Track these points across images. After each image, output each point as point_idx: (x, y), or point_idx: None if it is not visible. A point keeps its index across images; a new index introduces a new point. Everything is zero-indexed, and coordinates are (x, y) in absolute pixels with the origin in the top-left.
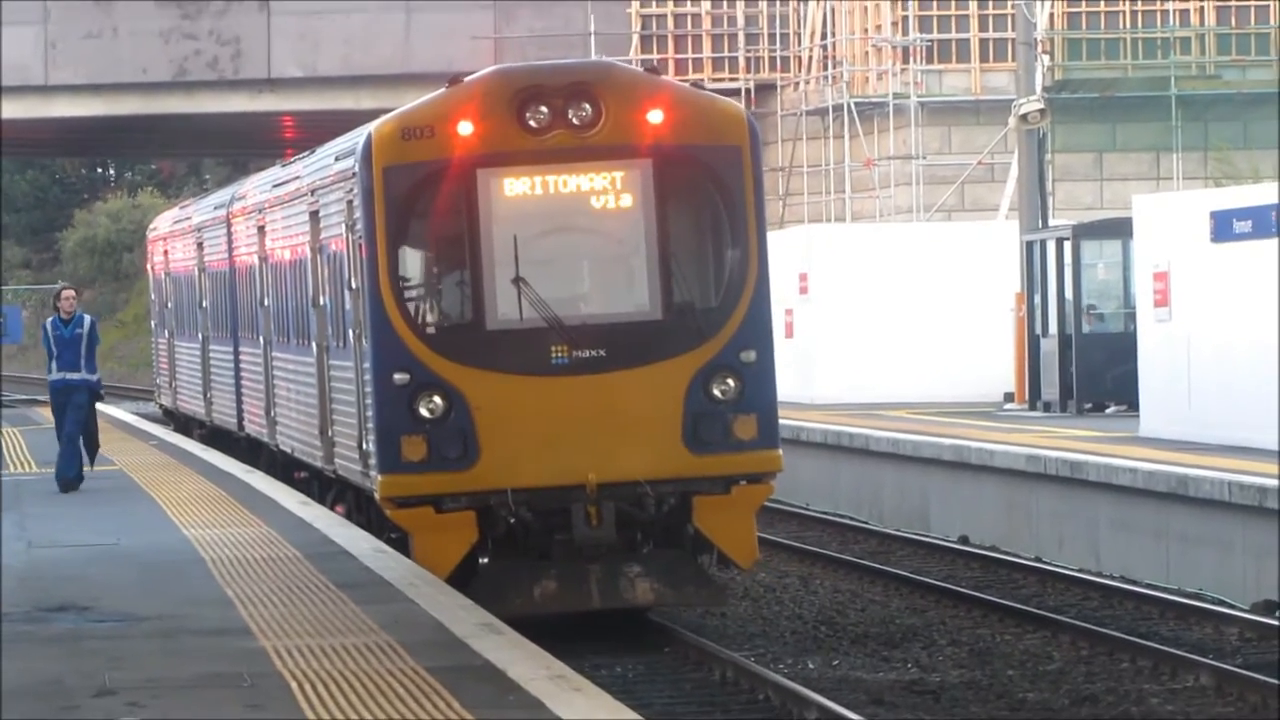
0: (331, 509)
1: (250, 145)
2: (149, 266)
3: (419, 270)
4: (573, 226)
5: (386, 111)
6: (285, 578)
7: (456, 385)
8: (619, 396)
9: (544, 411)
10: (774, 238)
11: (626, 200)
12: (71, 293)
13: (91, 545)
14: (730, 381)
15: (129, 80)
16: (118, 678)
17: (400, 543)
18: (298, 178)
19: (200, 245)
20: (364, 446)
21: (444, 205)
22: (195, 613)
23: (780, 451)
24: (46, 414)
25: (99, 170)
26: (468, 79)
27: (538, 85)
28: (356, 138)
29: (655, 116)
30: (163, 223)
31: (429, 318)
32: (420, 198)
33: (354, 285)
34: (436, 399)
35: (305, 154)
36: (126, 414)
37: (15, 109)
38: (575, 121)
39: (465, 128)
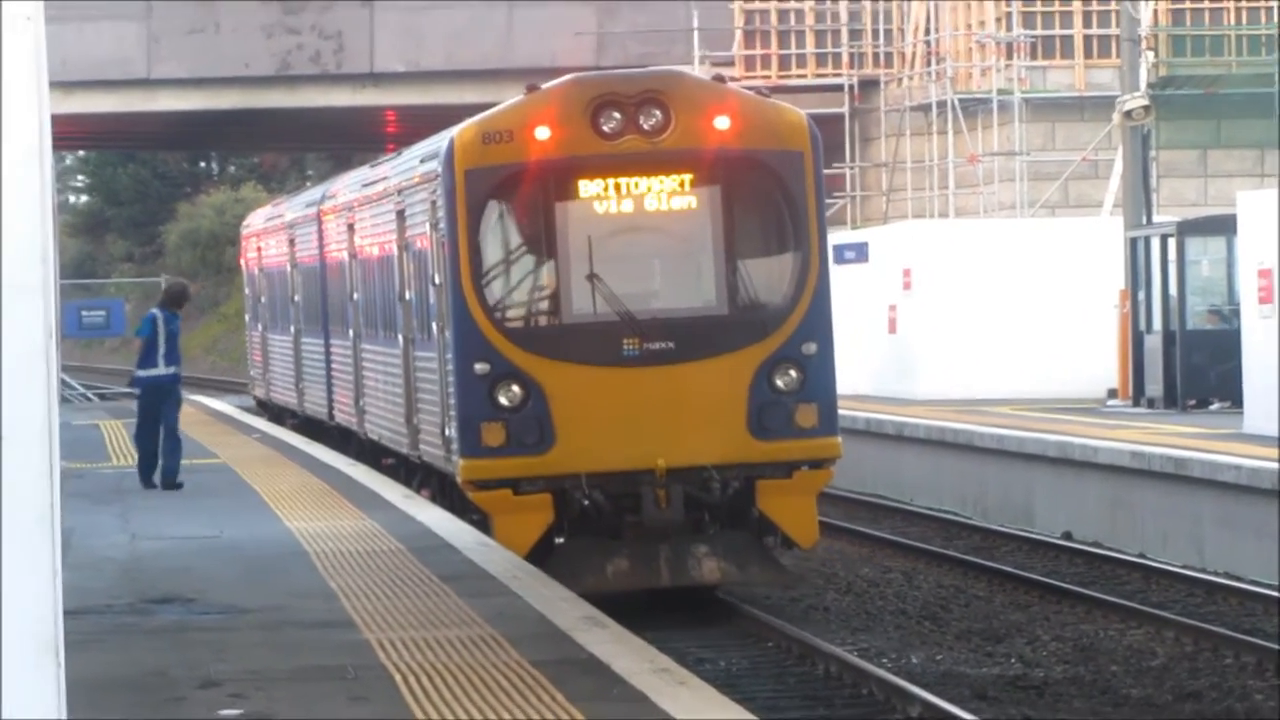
0: (418, 493)
1: (352, 139)
2: (243, 261)
3: (498, 266)
4: (643, 226)
5: (489, 106)
6: (388, 571)
7: (533, 375)
8: (687, 386)
9: (616, 400)
10: (878, 233)
11: (694, 202)
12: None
13: (195, 538)
14: (792, 373)
15: (231, 74)
16: (222, 669)
17: (481, 524)
18: (385, 178)
19: (292, 242)
20: (446, 433)
21: (522, 205)
22: (299, 605)
23: (840, 439)
24: None
25: (201, 164)
26: (545, 86)
27: (611, 93)
28: (440, 141)
29: (722, 123)
30: (256, 219)
31: (508, 311)
32: (500, 198)
33: (437, 280)
34: (515, 388)
35: (393, 156)
36: (229, 406)
37: (118, 103)
38: (646, 127)
39: (542, 133)
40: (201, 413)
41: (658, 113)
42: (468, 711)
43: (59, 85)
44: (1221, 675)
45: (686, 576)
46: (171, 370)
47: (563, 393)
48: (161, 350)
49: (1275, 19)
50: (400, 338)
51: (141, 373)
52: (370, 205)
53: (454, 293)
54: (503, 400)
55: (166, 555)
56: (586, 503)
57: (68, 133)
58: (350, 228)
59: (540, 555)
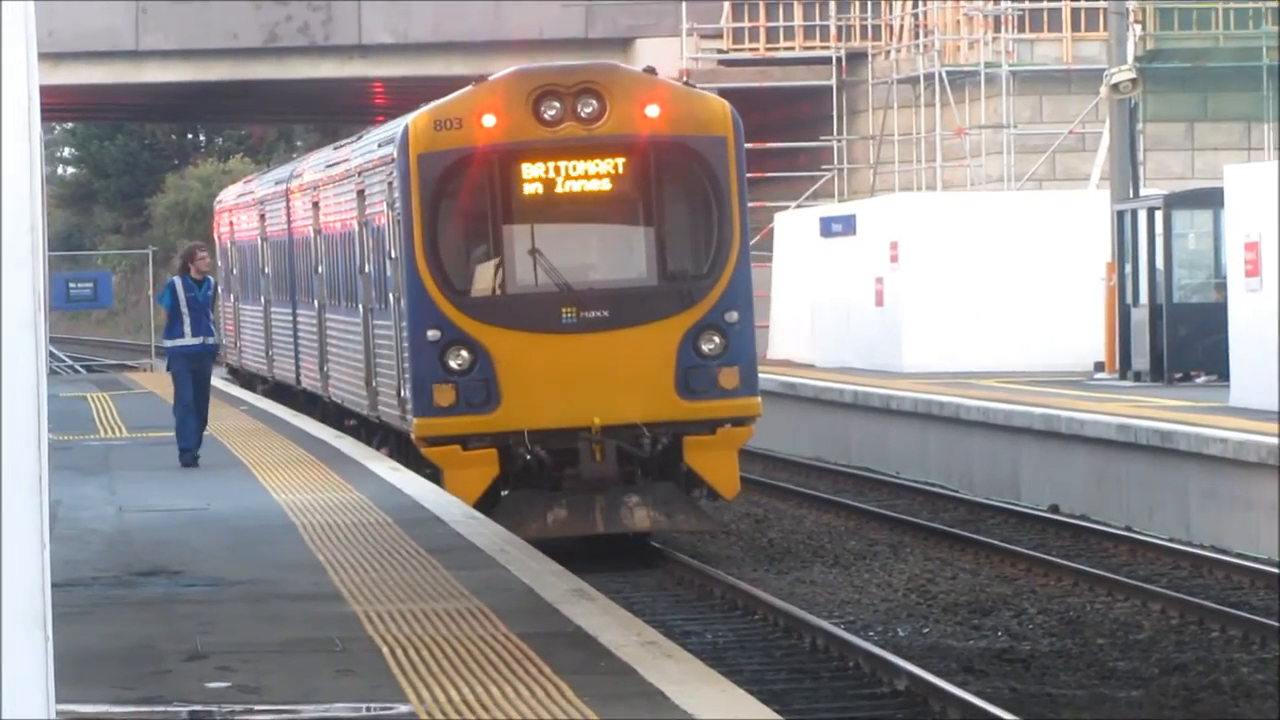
0: (377, 450)
1: (340, 111)
2: (216, 235)
3: (449, 242)
4: (580, 205)
5: (477, 78)
6: (376, 543)
7: (481, 341)
8: (620, 351)
9: (555, 364)
10: (865, 206)
11: (627, 183)
12: (205, 252)
13: (183, 510)
14: (716, 339)
15: (219, 46)
16: (209, 642)
17: (434, 477)
18: (347, 160)
19: (263, 217)
20: (402, 394)
21: (470, 186)
22: (286, 577)
23: (759, 399)
24: (140, 379)
25: (189, 136)
26: (491, 78)
27: (551, 84)
28: (396, 128)
29: (652, 111)
30: (229, 195)
31: (457, 283)
32: (450, 180)
33: (393, 255)
34: (464, 352)
35: (353, 139)
36: (215, 379)
37: (106, 74)
38: (583, 115)
39: (489, 120)
40: None
41: (594, 102)
42: (455, 684)
43: (47, 57)
44: (1208, 648)
45: (619, 524)
46: (200, 340)
47: (507, 357)
48: (186, 319)
49: None
50: (360, 308)
51: (168, 343)
52: (334, 184)
53: (408, 266)
54: (453, 364)
55: (154, 527)
56: (529, 457)
57: (56, 104)
58: (316, 205)
59: (487, 505)
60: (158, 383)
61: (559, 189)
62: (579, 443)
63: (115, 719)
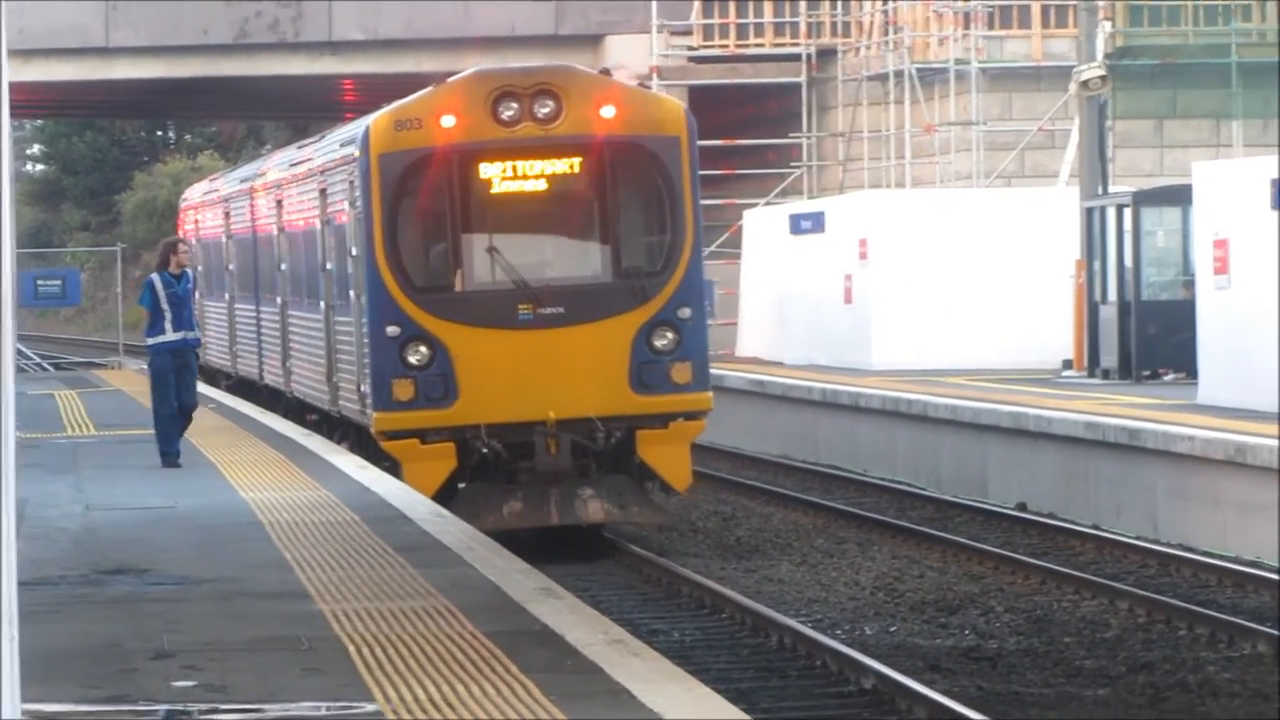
0: (339, 444)
1: (311, 108)
2: (181, 232)
3: (408, 240)
4: (537, 204)
5: (448, 74)
6: (343, 541)
7: (439, 336)
8: (575, 347)
9: (512, 359)
10: (834, 203)
11: (582, 182)
12: (187, 245)
13: (150, 508)
14: (669, 335)
15: (189, 42)
16: (176, 640)
17: (394, 470)
18: (310, 159)
19: (227, 215)
20: (362, 389)
21: (429, 185)
22: (253, 576)
23: (711, 393)
24: (108, 377)
25: (159, 133)
26: (450, 79)
27: (509, 85)
28: (357, 128)
29: (607, 112)
30: (194, 193)
31: (416, 280)
32: (410, 179)
33: (355, 252)
34: (422, 348)
35: (316, 139)
36: None
37: (75, 70)
38: (540, 116)
39: (448, 120)
40: None
41: (551, 103)
42: (421, 683)
43: (17, 54)
44: (1175, 647)
45: (574, 516)
46: (181, 335)
47: (465, 352)
48: (167, 315)
49: None
50: (322, 304)
51: (150, 340)
52: (297, 183)
53: (369, 263)
54: (412, 359)
55: (121, 526)
56: (485, 450)
57: (25, 101)
58: (279, 203)
59: (445, 498)
60: (126, 380)
61: (516, 188)
62: (535, 436)
63: (81, 718)
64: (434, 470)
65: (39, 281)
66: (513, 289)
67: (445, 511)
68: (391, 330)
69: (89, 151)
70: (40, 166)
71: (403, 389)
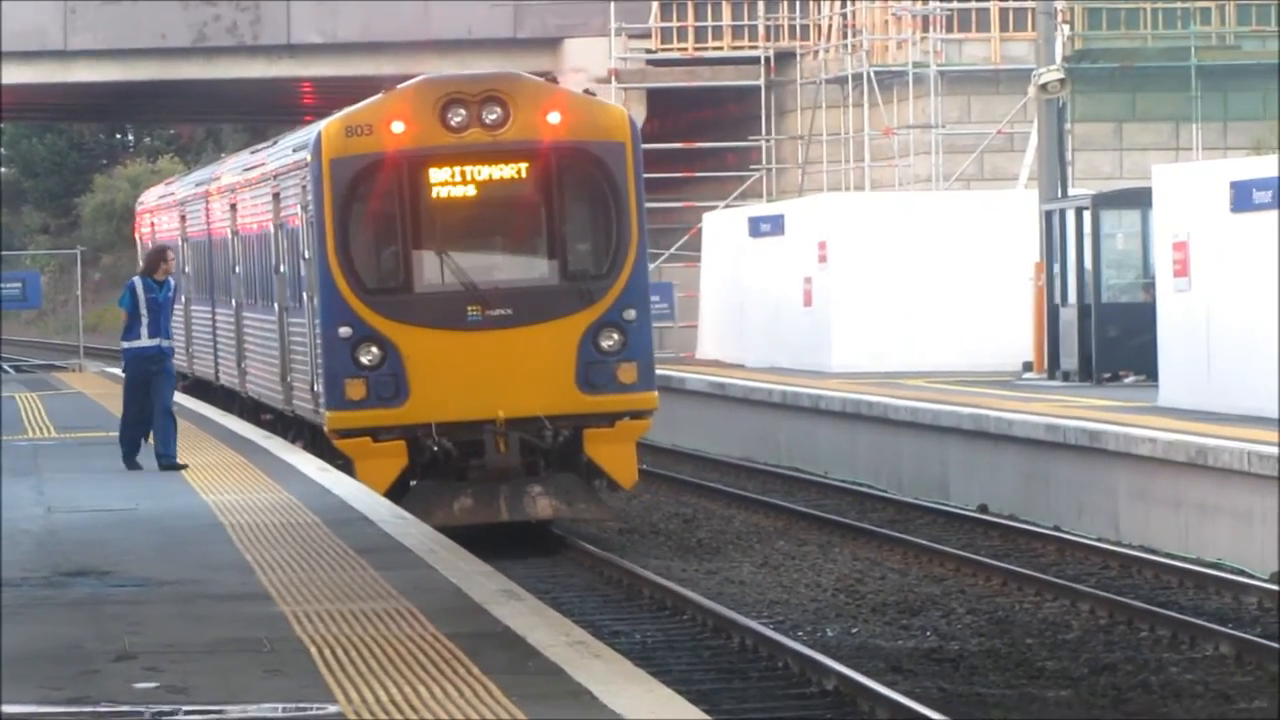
0: (294, 443)
1: (269, 111)
2: (138, 235)
3: (359, 243)
4: (485, 207)
5: (406, 78)
6: (304, 543)
7: (390, 337)
8: (523, 347)
9: (462, 359)
10: (793, 206)
11: (530, 187)
12: (174, 255)
13: (111, 510)
14: (615, 335)
15: (148, 45)
16: (137, 642)
17: (346, 468)
18: (263, 164)
19: (183, 218)
20: (315, 389)
21: (380, 190)
22: (215, 578)
23: (656, 393)
24: (68, 379)
25: (118, 135)
26: (400, 86)
27: (458, 91)
28: (309, 134)
29: (554, 118)
30: (150, 197)
31: (367, 282)
32: (361, 184)
33: (307, 255)
34: (374, 349)
35: (269, 144)
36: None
37: (33, 73)
38: (488, 122)
39: (398, 126)
40: (116, 384)
41: (498, 109)
42: (383, 684)
43: None
44: (1136, 648)
45: (523, 512)
46: (155, 342)
47: (415, 353)
48: (145, 320)
49: None
50: (276, 306)
51: (125, 344)
52: (250, 188)
53: (321, 266)
54: (363, 360)
55: (82, 528)
56: (436, 449)
57: None
58: (233, 207)
59: (396, 495)
60: (87, 383)
61: (465, 192)
62: (484, 435)
63: (43, 719)
64: (386, 468)
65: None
66: (462, 291)
67: (406, 514)
68: (344, 331)
69: (48, 154)
70: (0, 169)
71: (355, 389)
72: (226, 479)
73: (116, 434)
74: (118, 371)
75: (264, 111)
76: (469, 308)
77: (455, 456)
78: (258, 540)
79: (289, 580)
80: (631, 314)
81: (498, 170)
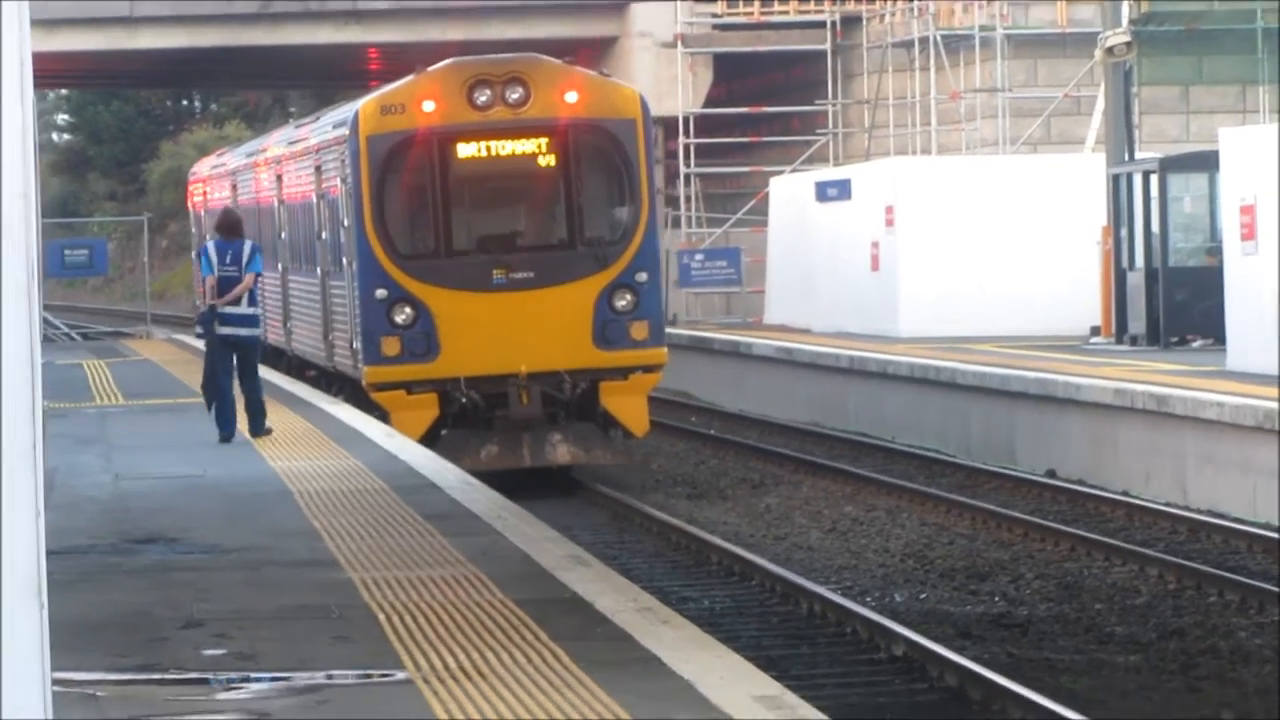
0: (337, 396)
1: (336, 77)
2: (190, 204)
3: (394, 212)
4: (509, 179)
5: (473, 43)
6: (372, 510)
7: (422, 298)
8: (544, 307)
9: (488, 318)
10: (860, 170)
11: (549, 160)
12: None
13: (178, 477)
14: (628, 296)
15: (213, 12)
16: (205, 609)
17: (383, 418)
18: (306, 139)
19: (234, 187)
20: (354, 346)
21: (412, 164)
22: (282, 545)
23: (665, 349)
24: (136, 346)
25: (184, 102)
26: (430, 69)
27: (483, 73)
28: (348, 112)
29: (571, 97)
30: (203, 167)
31: (402, 248)
32: (395, 158)
33: (346, 223)
34: (407, 309)
35: (311, 120)
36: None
37: (100, 41)
38: (511, 101)
39: (428, 105)
40: (184, 350)
41: (520, 89)
42: (451, 651)
43: (41, 23)
44: (1205, 613)
45: (544, 459)
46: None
47: (446, 312)
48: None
49: None
50: (319, 270)
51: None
52: (295, 160)
53: (358, 233)
54: (398, 319)
55: (149, 495)
56: (464, 400)
57: (50, 71)
58: (279, 178)
59: (428, 443)
60: (154, 350)
61: (490, 166)
62: (508, 387)
63: (112, 686)
64: (419, 418)
65: (66, 251)
66: (487, 256)
67: (474, 480)
68: (380, 293)
69: (115, 121)
70: (66, 136)
71: (390, 345)
72: (293, 445)
73: (172, 400)
74: (185, 338)
75: (331, 78)
76: (494, 271)
77: (482, 407)
78: (325, 507)
79: (357, 547)
80: (643, 276)
81: (520, 145)
